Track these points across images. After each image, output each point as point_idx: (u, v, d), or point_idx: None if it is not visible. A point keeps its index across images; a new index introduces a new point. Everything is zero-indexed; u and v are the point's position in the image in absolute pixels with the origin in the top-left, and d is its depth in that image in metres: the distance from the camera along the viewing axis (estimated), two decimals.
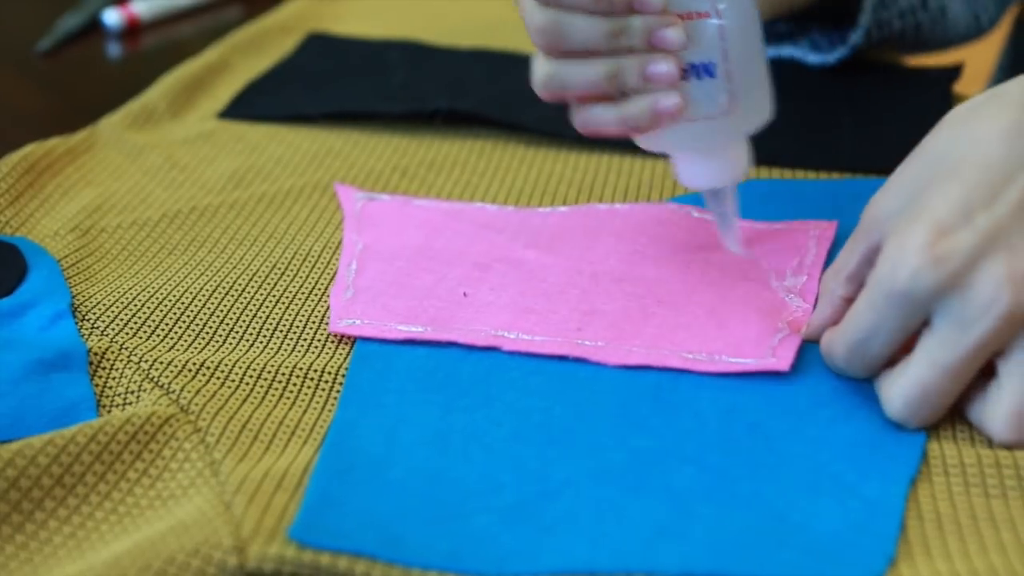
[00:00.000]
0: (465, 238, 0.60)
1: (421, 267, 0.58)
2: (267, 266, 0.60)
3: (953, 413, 0.50)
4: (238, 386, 0.51)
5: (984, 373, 0.48)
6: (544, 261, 0.59)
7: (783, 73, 0.79)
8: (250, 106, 0.76)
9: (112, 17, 0.89)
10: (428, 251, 0.59)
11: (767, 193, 0.65)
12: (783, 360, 0.52)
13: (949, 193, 0.48)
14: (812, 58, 0.78)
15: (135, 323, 0.55)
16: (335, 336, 0.55)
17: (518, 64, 0.81)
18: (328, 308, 0.57)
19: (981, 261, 0.46)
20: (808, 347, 0.53)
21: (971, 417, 0.49)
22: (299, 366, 0.53)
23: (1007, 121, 0.48)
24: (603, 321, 0.54)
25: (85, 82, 0.82)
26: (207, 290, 0.58)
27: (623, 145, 0.70)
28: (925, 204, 0.48)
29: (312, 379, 0.52)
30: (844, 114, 0.74)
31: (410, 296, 0.56)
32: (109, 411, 0.51)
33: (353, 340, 0.54)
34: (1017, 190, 0.47)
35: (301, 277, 0.59)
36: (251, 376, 0.52)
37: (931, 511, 0.45)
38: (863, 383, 0.51)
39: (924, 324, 0.48)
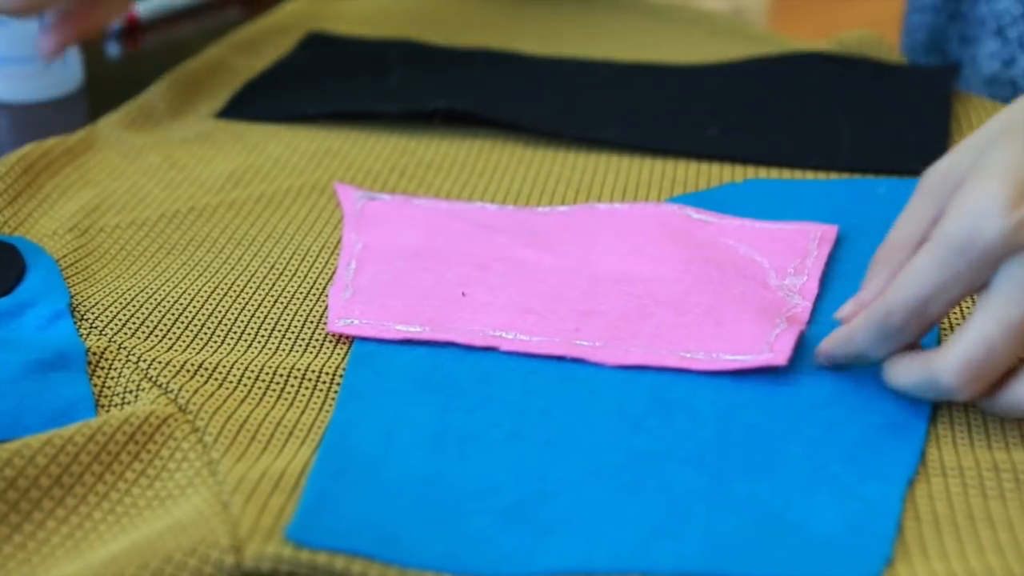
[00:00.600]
0: (464, 238, 0.60)
1: (420, 267, 0.58)
2: (265, 266, 0.60)
3: (953, 416, 0.50)
4: (236, 386, 0.52)
5: None
6: (543, 261, 0.59)
7: (782, 74, 0.79)
8: (249, 106, 0.76)
9: None
10: (427, 251, 0.59)
11: (767, 193, 0.65)
12: (780, 354, 0.51)
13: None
14: None
15: (134, 323, 0.55)
16: (333, 336, 0.55)
17: (517, 64, 0.81)
18: (326, 308, 0.57)
19: None
20: (808, 348, 0.53)
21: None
22: (297, 366, 0.53)
23: None
24: (601, 321, 0.54)
25: (84, 82, 0.82)
26: (206, 290, 0.58)
27: (623, 145, 0.71)
28: (1000, 158, 0.46)
29: (310, 379, 0.52)
30: (843, 114, 0.74)
31: (408, 296, 0.56)
32: (108, 411, 0.51)
33: (351, 340, 0.54)
34: None
35: (299, 277, 0.59)
36: (249, 376, 0.52)
37: (928, 512, 0.45)
38: (864, 384, 0.51)
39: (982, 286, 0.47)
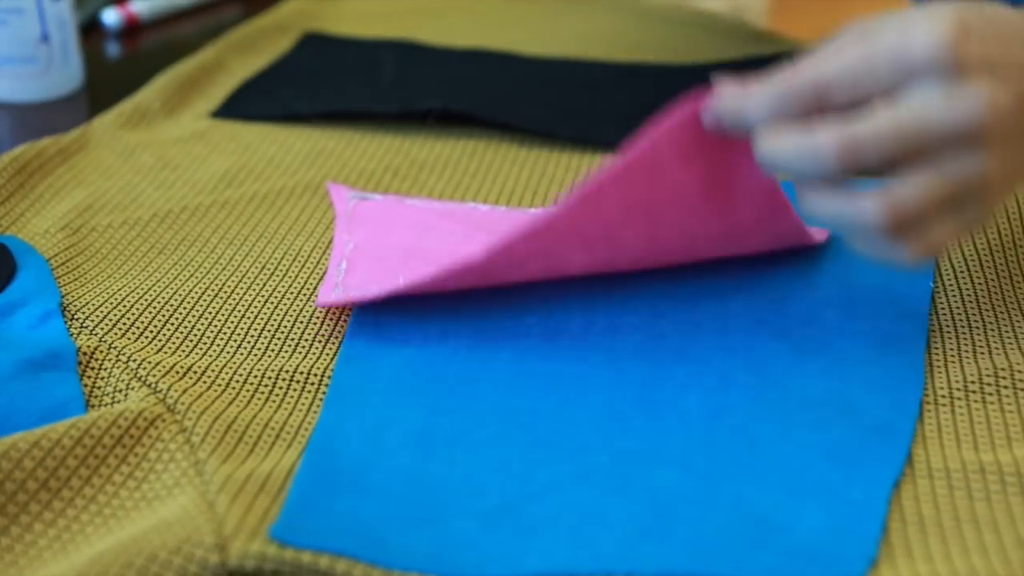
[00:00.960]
0: (456, 238, 0.60)
1: (410, 267, 0.58)
2: (257, 266, 0.60)
3: (939, 417, 0.50)
4: (225, 387, 0.52)
5: None
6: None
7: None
8: (244, 105, 0.76)
9: (111, 17, 0.89)
10: (418, 251, 0.59)
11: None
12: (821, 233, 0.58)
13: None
14: None
15: (124, 323, 0.55)
16: (322, 337, 0.55)
17: (513, 64, 0.81)
18: (314, 310, 0.57)
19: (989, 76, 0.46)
20: (797, 353, 0.53)
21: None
22: (285, 368, 0.53)
23: None
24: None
25: (85, 81, 0.82)
26: (197, 290, 0.58)
27: (619, 146, 0.70)
28: (945, 5, 0.47)
29: (298, 381, 0.52)
30: None
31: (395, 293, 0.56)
32: (97, 410, 0.51)
33: (340, 341, 0.54)
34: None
35: (291, 277, 0.59)
36: (239, 377, 0.52)
37: (914, 513, 0.45)
38: (851, 386, 0.51)
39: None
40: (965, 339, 0.54)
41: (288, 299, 0.58)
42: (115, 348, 0.54)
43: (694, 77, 0.79)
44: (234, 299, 0.57)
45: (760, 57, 0.81)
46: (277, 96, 0.77)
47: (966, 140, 0.46)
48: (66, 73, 0.79)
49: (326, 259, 0.61)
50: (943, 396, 0.51)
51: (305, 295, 0.58)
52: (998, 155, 0.47)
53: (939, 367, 0.52)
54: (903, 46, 0.46)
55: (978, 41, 0.46)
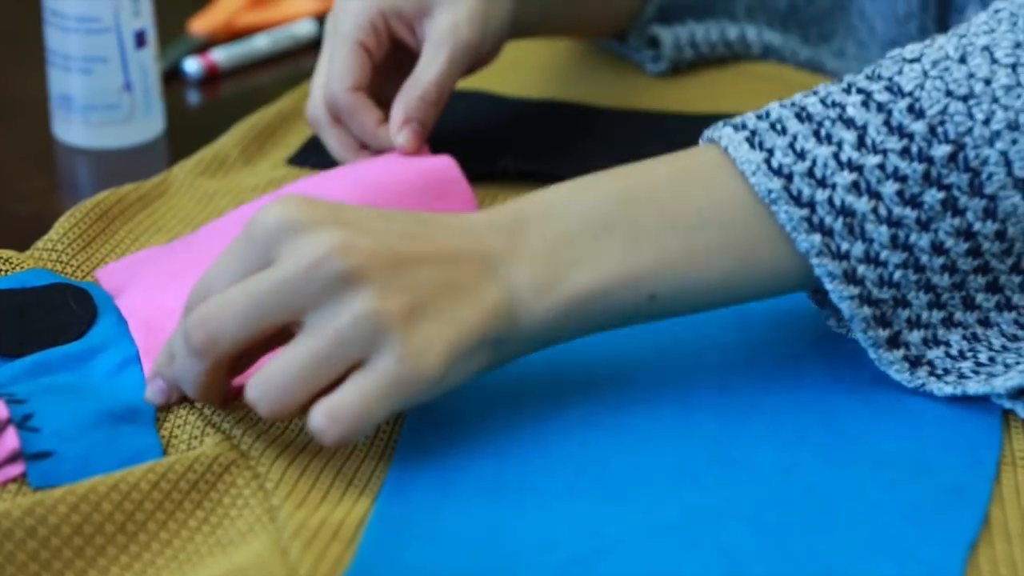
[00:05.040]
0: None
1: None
2: None
3: (1018, 479, 0.49)
4: (298, 434, 0.52)
5: None
6: None
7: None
8: (319, 153, 0.77)
9: (192, 65, 0.91)
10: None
11: None
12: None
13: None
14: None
15: None
16: None
17: (584, 115, 0.82)
18: None
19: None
20: (872, 409, 0.52)
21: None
22: None
23: None
24: None
25: (165, 129, 0.84)
26: None
27: None
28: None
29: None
30: None
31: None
32: (173, 455, 0.51)
33: None
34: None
35: None
36: None
37: None
38: (926, 445, 0.50)
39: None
40: None
41: None
42: None
43: None
44: None
45: None
46: None
47: (333, 284, 0.47)
48: (148, 121, 0.81)
49: None
50: (1021, 457, 0.50)
51: None
52: (380, 291, 0.47)
53: (1016, 426, 0.52)
54: (256, 223, 0.49)
55: (322, 206, 0.49)
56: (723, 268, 0.51)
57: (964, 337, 0.53)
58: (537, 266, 0.50)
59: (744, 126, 0.52)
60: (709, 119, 0.81)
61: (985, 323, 0.53)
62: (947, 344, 0.53)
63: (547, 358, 0.56)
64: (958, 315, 0.53)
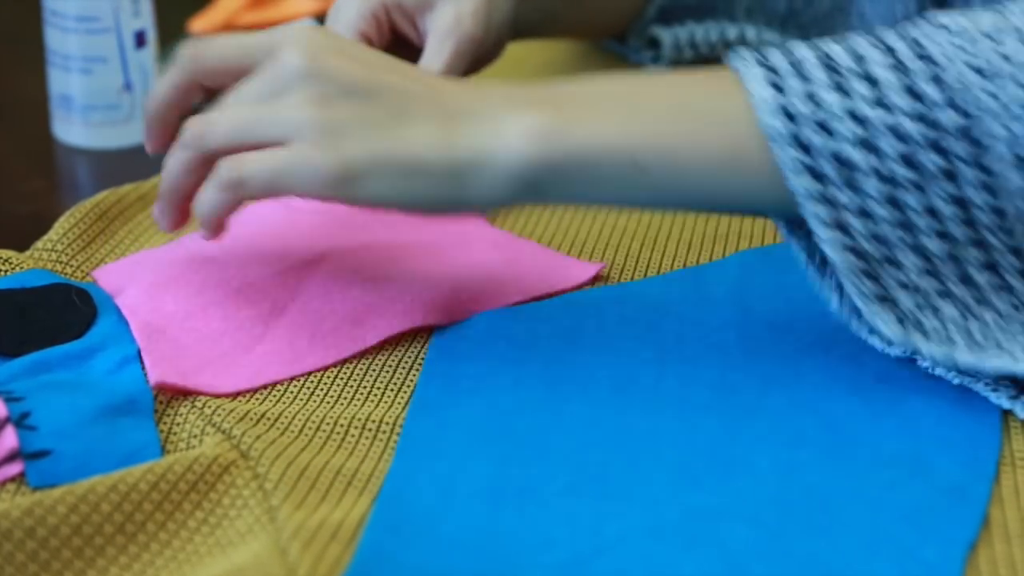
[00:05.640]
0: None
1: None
2: None
3: (1017, 479, 0.49)
4: (298, 435, 0.52)
5: None
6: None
7: None
8: None
9: None
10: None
11: None
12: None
13: None
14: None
15: None
16: (394, 386, 0.55)
17: None
18: (389, 358, 0.57)
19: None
20: (872, 409, 0.52)
21: None
22: (358, 416, 0.53)
23: None
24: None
25: None
26: None
27: None
28: None
29: (370, 430, 0.53)
30: None
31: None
32: (173, 455, 0.51)
33: (412, 391, 0.55)
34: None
35: None
36: (311, 425, 0.53)
37: None
38: (926, 445, 0.50)
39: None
40: None
41: None
42: (190, 395, 0.54)
43: None
44: None
45: None
46: None
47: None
48: None
49: None
50: (1020, 457, 0.50)
51: (378, 345, 0.58)
52: (334, 90, 0.53)
53: (1016, 427, 0.52)
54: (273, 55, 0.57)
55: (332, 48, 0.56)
56: (712, 159, 0.52)
57: (958, 310, 0.53)
58: (530, 114, 0.53)
59: (766, 61, 0.53)
60: None
61: (981, 301, 0.53)
62: (940, 311, 0.53)
63: (547, 358, 0.56)
64: (953, 287, 0.52)
